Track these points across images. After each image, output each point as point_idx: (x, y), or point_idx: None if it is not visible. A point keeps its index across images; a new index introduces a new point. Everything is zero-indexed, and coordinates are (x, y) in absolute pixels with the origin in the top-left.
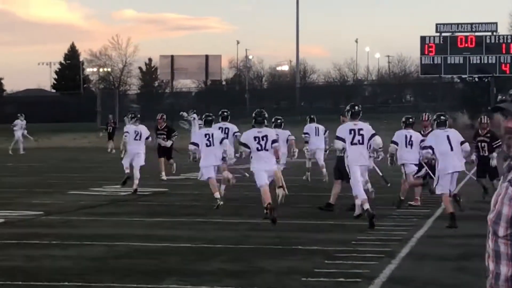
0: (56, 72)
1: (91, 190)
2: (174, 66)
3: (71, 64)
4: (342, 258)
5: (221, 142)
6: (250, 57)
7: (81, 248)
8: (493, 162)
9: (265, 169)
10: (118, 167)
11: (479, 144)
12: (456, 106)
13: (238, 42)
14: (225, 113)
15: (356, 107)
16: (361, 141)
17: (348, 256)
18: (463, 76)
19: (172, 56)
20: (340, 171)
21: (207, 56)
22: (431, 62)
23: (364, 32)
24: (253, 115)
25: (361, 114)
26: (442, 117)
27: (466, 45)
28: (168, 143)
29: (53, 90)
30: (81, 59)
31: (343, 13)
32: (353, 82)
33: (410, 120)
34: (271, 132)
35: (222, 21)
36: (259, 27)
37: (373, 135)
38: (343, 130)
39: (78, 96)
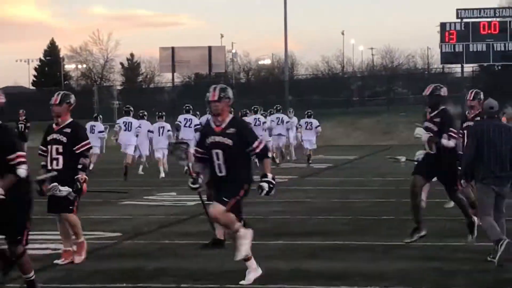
0: (35, 69)
1: (146, 199)
2: (175, 58)
3: (51, 61)
4: None
5: None
6: (234, 51)
7: None
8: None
9: None
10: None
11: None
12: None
13: (222, 36)
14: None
15: None
16: None
17: None
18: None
19: (172, 48)
20: None
21: (210, 48)
22: (452, 50)
23: (349, 25)
24: None
25: None
26: None
27: (490, 31)
28: None
29: (33, 87)
30: (61, 55)
31: (327, 5)
32: (341, 74)
33: None
34: None
35: (194, 17)
36: (238, 21)
37: None
38: None
39: None
